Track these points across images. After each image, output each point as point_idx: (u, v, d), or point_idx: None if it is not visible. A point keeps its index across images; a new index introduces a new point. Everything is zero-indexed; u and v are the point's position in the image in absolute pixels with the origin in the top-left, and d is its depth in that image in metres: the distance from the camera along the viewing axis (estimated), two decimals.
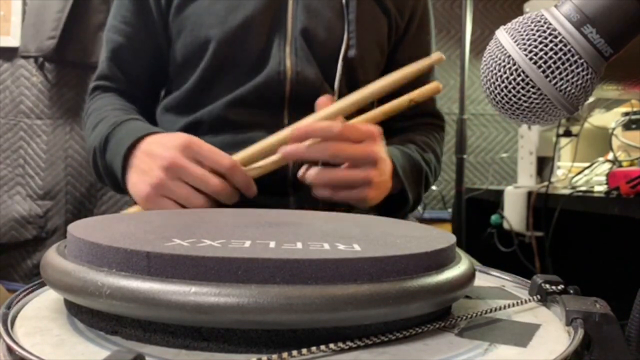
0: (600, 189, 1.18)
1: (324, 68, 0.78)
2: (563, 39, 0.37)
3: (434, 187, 2.18)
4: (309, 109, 0.78)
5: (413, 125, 0.88)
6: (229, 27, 0.76)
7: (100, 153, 0.75)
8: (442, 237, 0.37)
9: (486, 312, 0.34)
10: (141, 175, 0.66)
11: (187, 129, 0.79)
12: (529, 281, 0.40)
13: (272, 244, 0.32)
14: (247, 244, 0.32)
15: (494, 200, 1.55)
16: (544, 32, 0.37)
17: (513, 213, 1.42)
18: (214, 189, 0.64)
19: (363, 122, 0.69)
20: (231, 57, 0.77)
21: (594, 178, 1.36)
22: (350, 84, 0.81)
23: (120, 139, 0.71)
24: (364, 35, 0.80)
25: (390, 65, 0.87)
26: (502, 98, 0.39)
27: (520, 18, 0.40)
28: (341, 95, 0.79)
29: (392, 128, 0.84)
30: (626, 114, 1.30)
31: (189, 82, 0.80)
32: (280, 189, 0.76)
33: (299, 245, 0.32)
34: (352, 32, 0.78)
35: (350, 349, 0.28)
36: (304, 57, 0.77)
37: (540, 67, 0.37)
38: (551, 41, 0.37)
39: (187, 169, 0.63)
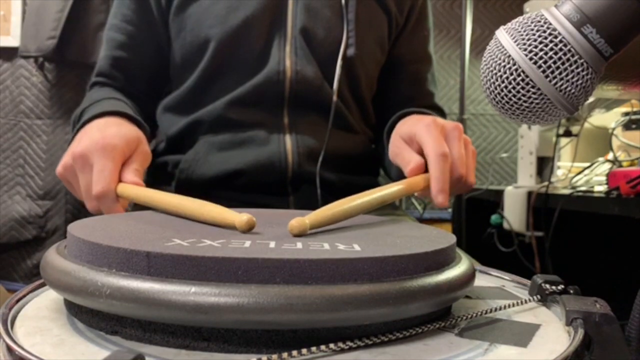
0: (600, 189, 1.18)
1: (323, 67, 0.78)
2: (563, 39, 0.37)
3: None
4: (309, 108, 0.78)
5: None
6: (229, 26, 0.76)
7: (74, 123, 0.73)
8: (442, 237, 0.37)
9: (486, 312, 0.34)
10: (72, 144, 0.63)
11: (187, 128, 0.79)
12: (529, 281, 0.40)
13: (272, 244, 0.32)
14: (247, 244, 0.32)
15: (494, 200, 1.54)
16: (544, 32, 0.37)
17: (513, 213, 1.42)
18: (89, 207, 0.60)
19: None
20: (231, 57, 0.77)
21: (594, 178, 1.35)
22: (350, 83, 0.81)
23: (95, 108, 0.70)
24: (363, 34, 0.80)
25: (387, 61, 0.87)
26: (502, 98, 0.39)
27: (520, 18, 0.40)
28: (340, 93, 0.79)
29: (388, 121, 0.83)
30: (626, 114, 1.30)
31: (188, 81, 0.80)
32: (280, 188, 0.76)
33: (299, 245, 0.32)
34: (351, 31, 0.78)
35: (350, 349, 0.28)
36: (304, 56, 0.77)
37: (540, 67, 0.37)
38: (551, 41, 0.37)
39: (80, 175, 0.60)
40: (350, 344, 0.27)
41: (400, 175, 0.68)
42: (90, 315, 0.30)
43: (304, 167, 0.76)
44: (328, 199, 0.76)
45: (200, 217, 0.43)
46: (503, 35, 0.39)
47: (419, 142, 0.62)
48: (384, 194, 0.53)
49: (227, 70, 0.78)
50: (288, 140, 0.76)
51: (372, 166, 0.88)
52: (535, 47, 0.37)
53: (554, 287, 0.37)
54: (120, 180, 0.59)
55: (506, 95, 0.39)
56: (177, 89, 0.82)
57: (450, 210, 1.96)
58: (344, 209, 0.45)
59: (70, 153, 0.60)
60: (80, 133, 0.64)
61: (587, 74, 0.37)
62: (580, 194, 1.17)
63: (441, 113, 0.90)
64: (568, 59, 0.37)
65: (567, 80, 0.37)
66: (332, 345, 0.27)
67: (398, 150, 0.66)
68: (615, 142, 1.29)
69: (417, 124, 0.65)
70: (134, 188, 0.57)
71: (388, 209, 0.84)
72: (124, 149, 0.60)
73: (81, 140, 0.61)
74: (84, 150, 0.59)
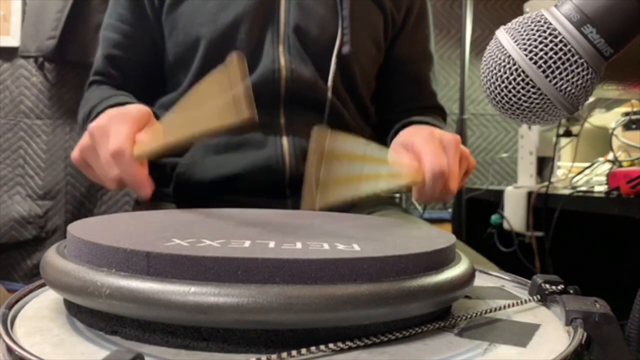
0: (600, 189, 1.18)
1: (318, 65, 0.78)
2: (563, 39, 0.37)
3: None
4: (305, 108, 0.78)
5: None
6: (220, 24, 0.75)
7: (85, 117, 0.74)
8: (442, 237, 0.37)
9: (486, 312, 0.34)
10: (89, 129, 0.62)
11: None
12: (529, 281, 0.40)
13: (271, 244, 0.32)
14: (247, 244, 0.32)
15: (494, 200, 1.54)
16: (544, 32, 0.37)
17: (513, 213, 1.42)
18: (110, 181, 0.59)
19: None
20: (223, 56, 0.77)
21: (594, 178, 1.35)
22: (346, 81, 0.81)
23: (105, 103, 0.70)
24: (358, 31, 0.79)
25: (388, 61, 0.87)
26: (502, 98, 0.39)
27: (520, 18, 0.40)
28: (336, 91, 0.79)
29: (393, 121, 0.83)
30: (626, 114, 1.30)
31: (184, 82, 0.79)
32: (278, 191, 0.76)
33: (299, 245, 0.32)
34: (346, 28, 0.78)
35: (350, 348, 0.28)
36: (298, 55, 0.77)
37: (540, 67, 0.37)
38: (551, 41, 0.37)
39: (99, 149, 0.59)
40: (349, 343, 0.27)
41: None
42: (89, 315, 0.30)
43: (302, 169, 0.75)
44: None
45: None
46: (503, 35, 0.39)
47: (418, 152, 0.63)
48: (379, 184, 0.55)
49: None
50: (285, 142, 0.76)
51: None
52: (536, 47, 0.37)
53: (553, 287, 0.37)
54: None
55: (506, 95, 0.39)
56: (174, 90, 0.81)
57: (450, 210, 1.96)
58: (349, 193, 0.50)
59: (87, 130, 0.60)
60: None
61: (587, 74, 0.37)
62: (580, 194, 1.17)
63: (443, 112, 0.90)
64: (568, 59, 0.37)
65: (567, 80, 0.37)
66: (331, 345, 0.27)
67: (397, 155, 0.67)
68: (615, 142, 1.29)
69: (416, 135, 0.65)
70: (148, 143, 0.57)
71: (389, 206, 0.84)
72: (139, 118, 0.60)
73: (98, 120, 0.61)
74: (101, 123, 0.59)
